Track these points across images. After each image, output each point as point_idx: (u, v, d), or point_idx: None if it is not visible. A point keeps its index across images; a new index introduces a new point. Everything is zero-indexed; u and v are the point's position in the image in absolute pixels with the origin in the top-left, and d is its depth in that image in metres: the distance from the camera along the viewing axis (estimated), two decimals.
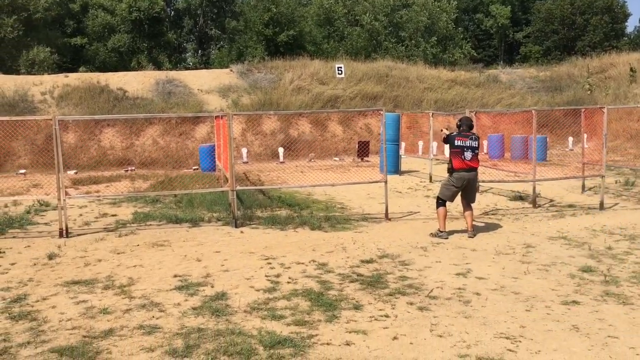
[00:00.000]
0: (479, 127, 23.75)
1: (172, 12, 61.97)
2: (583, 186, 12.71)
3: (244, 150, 20.76)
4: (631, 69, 25.16)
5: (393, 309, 5.57)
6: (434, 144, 21.31)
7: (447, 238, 8.60)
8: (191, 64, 57.53)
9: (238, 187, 9.83)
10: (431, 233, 8.83)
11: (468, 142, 8.71)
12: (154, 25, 40.09)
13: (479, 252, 7.74)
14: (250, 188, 11.90)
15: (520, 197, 11.77)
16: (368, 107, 24.86)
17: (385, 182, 10.14)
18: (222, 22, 54.65)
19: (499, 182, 11.96)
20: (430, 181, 14.88)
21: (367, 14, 41.39)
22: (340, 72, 26.09)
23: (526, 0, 59.29)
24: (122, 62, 39.75)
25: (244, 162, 20.58)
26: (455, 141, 8.73)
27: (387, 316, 5.36)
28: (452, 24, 44.27)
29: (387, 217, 10.00)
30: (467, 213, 8.92)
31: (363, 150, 20.51)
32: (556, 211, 10.60)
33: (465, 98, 26.26)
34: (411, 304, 5.70)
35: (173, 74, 25.40)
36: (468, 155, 8.68)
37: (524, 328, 5.06)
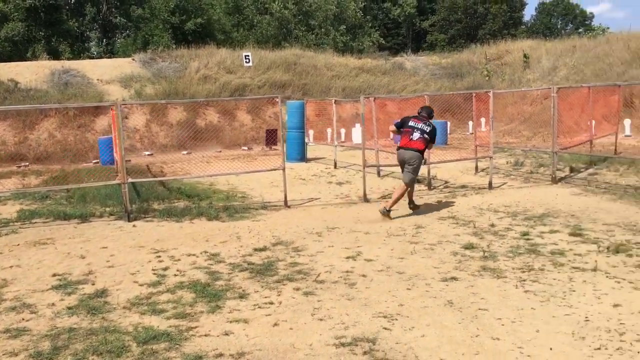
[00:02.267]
0: (385, 114, 24.18)
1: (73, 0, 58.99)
2: (476, 167, 13.27)
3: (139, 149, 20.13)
4: (524, 56, 26.50)
5: (279, 295, 5.56)
6: (343, 131, 21.57)
7: (386, 216, 8.83)
8: (95, 53, 54.98)
9: (130, 180, 9.49)
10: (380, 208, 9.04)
11: (420, 125, 9.10)
12: (51, 13, 37.93)
13: (372, 235, 7.89)
14: (143, 180, 11.50)
15: (417, 180, 12.10)
16: (277, 95, 24.77)
17: (284, 169, 10.13)
18: (127, 9, 52.51)
19: (395, 165, 12.24)
20: (335, 167, 15.04)
21: (277, 2, 41.13)
22: (247, 60, 25.81)
23: None
24: (17, 52, 37.38)
25: (148, 154, 19.99)
26: (409, 122, 9.18)
27: (271, 303, 5.35)
28: (360, 12, 44.89)
29: (286, 204, 10.00)
30: (398, 191, 9.16)
31: (271, 138, 20.44)
32: (449, 192, 11.01)
33: (372, 85, 26.71)
34: (297, 289, 5.72)
35: (70, 63, 24.18)
36: (415, 135, 9.03)
37: (402, 306, 5.21)
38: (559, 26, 63.97)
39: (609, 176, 11.67)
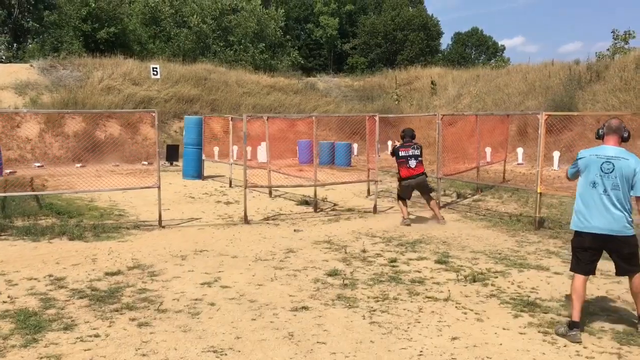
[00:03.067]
0: (295, 133, 24.03)
1: None
2: (368, 191, 13.29)
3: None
4: (432, 82, 27.27)
5: (109, 327, 5.12)
6: (249, 149, 21.22)
7: (409, 224, 9.70)
8: (4, 57, 52.13)
9: None
10: (401, 222, 9.82)
11: (411, 152, 9.81)
12: None
13: (239, 260, 7.58)
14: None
15: (306, 202, 11.94)
16: (184, 110, 24.21)
17: (159, 187, 9.64)
18: (40, 14, 50.20)
19: (278, 187, 12.08)
20: (230, 186, 14.67)
21: (195, 16, 40.50)
22: (155, 72, 25.03)
23: (353, 14, 62.20)
24: None
25: (38, 166, 18.85)
26: (400, 152, 9.83)
27: (97, 336, 4.90)
28: (280, 31, 44.95)
29: (160, 224, 9.52)
30: (432, 204, 9.98)
31: (172, 154, 19.81)
32: (334, 215, 10.89)
33: (283, 104, 26.63)
34: (133, 319, 5.30)
35: None
36: (412, 163, 9.76)
37: (239, 339, 4.90)
38: (472, 56, 66.80)
39: (491, 203, 11.97)
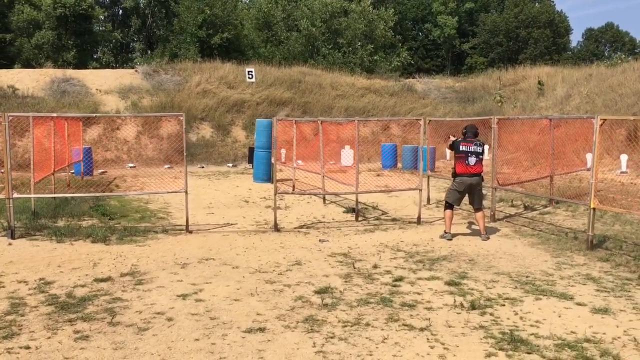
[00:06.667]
0: (388, 137, 23.32)
1: (120, 11, 61.01)
2: (428, 199, 12.39)
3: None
4: (539, 82, 25.21)
5: (49, 338, 4.99)
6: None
7: (450, 239, 8.87)
8: (138, 63, 56.37)
9: (15, 195, 9.14)
10: (440, 235, 9.06)
11: (472, 148, 8.99)
12: (80, 22, 38.76)
13: (238, 270, 7.23)
14: (27, 196, 10.53)
15: (352, 210, 11.31)
16: (275, 112, 24.41)
17: (186, 192, 9.58)
18: (171, 22, 53.65)
19: (311, 194, 11.55)
20: (293, 191, 14.39)
21: (305, 20, 40.94)
22: (250, 76, 25.55)
23: (473, 12, 59.69)
24: (48, 59, 38.42)
25: (131, 167, 19.90)
26: (460, 147, 9.02)
27: (27, 347, 4.78)
28: (390, 31, 44.11)
29: (187, 229, 9.44)
30: (478, 215, 9.09)
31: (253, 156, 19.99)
32: (374, 225, 10.20)
33: (377, 106, 25.99)
34: (78, 332, 5.13)
35: (72, 72, 24.50)
36: (472, 160, 8.96)
37: None
38: (606, 53, 61.37)
39: (559, 217, 10.58)
